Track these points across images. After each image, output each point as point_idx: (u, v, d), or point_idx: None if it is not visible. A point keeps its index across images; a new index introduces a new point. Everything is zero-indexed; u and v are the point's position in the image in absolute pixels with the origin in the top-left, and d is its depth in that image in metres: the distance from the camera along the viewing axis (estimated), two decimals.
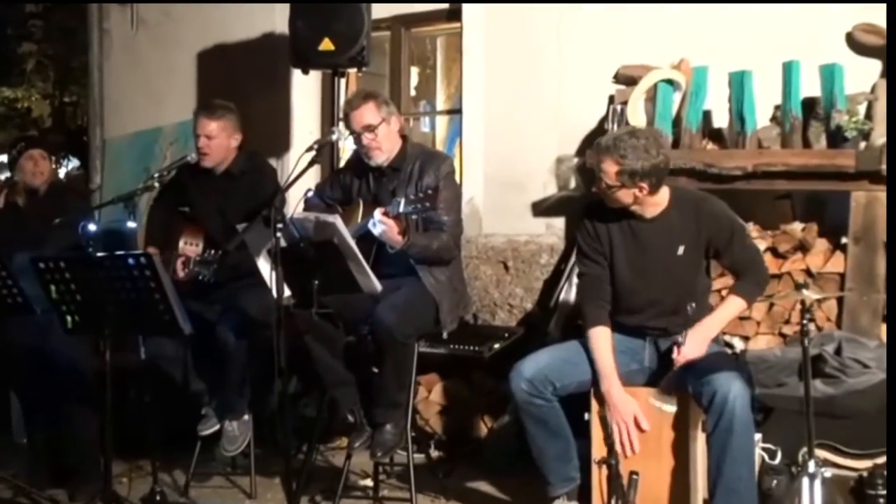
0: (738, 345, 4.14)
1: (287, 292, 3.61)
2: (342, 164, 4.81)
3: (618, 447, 3.39)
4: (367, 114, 3.93)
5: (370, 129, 3.93)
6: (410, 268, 3.91)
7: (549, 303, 4.81)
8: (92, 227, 4.06)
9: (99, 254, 3.52)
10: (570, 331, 3.66)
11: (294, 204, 4.25)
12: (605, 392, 3.43)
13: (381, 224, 3.71)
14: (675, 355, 3.35)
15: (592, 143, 4.62)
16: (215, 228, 4.32)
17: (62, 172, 8.76)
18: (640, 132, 3.46)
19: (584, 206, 3.66)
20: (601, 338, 3.49)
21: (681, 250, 3.44)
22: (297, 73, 5.29)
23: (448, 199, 3.93)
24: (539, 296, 4.94)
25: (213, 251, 4.24)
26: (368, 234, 3.79)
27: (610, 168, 3.34)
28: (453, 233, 3.96)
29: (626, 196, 3.39)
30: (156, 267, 3.41)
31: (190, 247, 4.42)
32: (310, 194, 4.22)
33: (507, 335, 4.41)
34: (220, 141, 4.32)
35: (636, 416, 3.39)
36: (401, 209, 3.66)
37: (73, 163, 9.69)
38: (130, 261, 3.41)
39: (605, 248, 3.53)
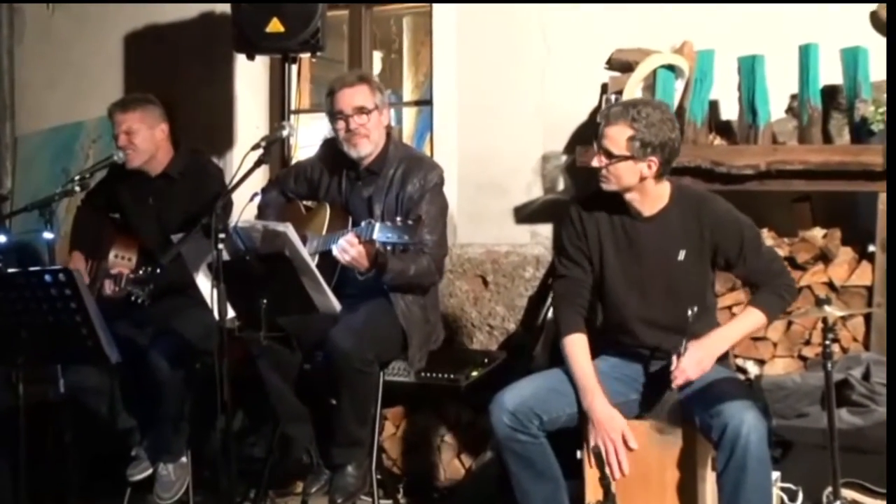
0: (752, 369, 4.17)
1: (231, 313, 3.58)
2: (293, 162, 4.79)
3: (606, 468, 3.39)
4: (362, 93, 3.95)
5: (363, 111, 3.93)
6: (380, 289, 3.90)
7: (535, 323, 4.80)
8: (1, 239, 4.03)
9: (10, 270, 3.49)
10: (559, 355, 3.66)
11: (238, 210, 4.22)
12: (586, 407, 3.43)
13: (349, 251, 3.68)
14: (672, 368, 3.34)
15: (583, 138, 4.71)
16: (151, 240, 4.32)
17: None
18: (658, 103, 3.51)
19: (573, 201, 3.66)
20: (577, 346, 3.51)
21: (681, 255, 3.45)
22: (241, 59, 5.26)
23: (433, 215, 3.92)
24: (523, 315, 4.92)
25: (148, 268, 4.21)
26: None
27: (620, 133, 3.34)
28: (436, 255, 3.96)
29: (629, 174, 3.38)
30: (77, 284, 3.37)
31: (121, 261, 4.41)
32: (257, 199, 4.20)
33: (486, 361, 4.42)
34: (142, 134, 4.35)
35: (623, 434, 3.39)
36: (374, 235, 3.61)
37: None
38: (47, 277, 3.37)
39: (592, 252, 3.55)
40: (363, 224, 3.71)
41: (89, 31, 6.25)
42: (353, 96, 3.95)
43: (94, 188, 4.53)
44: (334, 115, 3.99)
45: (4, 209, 5.88)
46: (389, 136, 4.11)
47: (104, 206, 4.55)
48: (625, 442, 3.39)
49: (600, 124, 3.43)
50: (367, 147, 3.98)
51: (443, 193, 4.08)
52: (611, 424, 3.40)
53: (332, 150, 4.13)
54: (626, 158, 3.35)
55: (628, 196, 3.45)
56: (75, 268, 4.29)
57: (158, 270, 4.10)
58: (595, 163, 3.41)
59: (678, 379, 3.34)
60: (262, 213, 4.19)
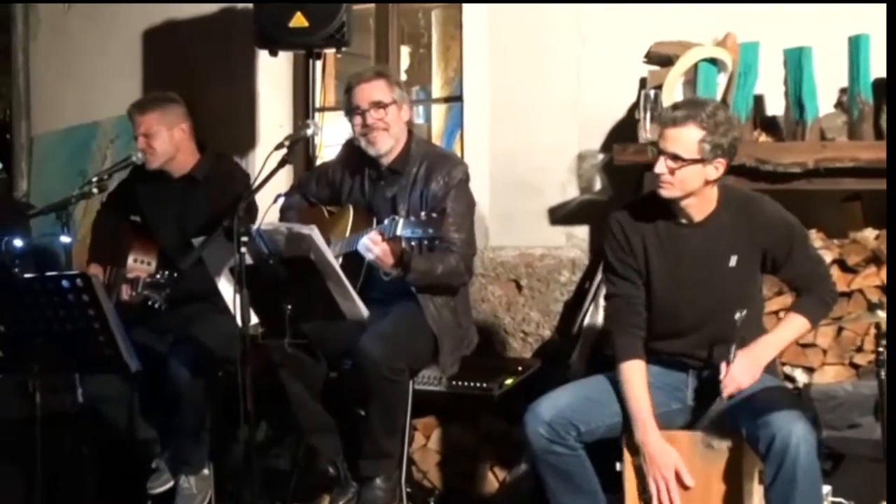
0: (801, 378, 4.13)
1: (254, 319, 3.59)
2: (318, 162, 4.80)
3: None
4: (379, 88, 3.97)
5: (380, 105, 3.94)
6: (407, 291, 3.91)
7: (571, 329, 4.80)
8: (17, 243, 4.06)
9: (26, 275, 3.51)
10: (597, 363, 3.65)
11: (261, 212, 4.24)
12: (639, 442, 3.41)
13: (373, 249, 3.71)
14: (721, 376, 3.32)
15: (620, 135, 4.69)
16: (171, 244, 4.34)
17: None
18: (719, 104, 3.48)
19: (613, 213, 3.63)
20: (635, 374, 3.47)
21: (733, 261, 3.42)
22: (263, 56, 5.28)
23: (459, 212, 3.93)
24: (559, 321, 4.94)
25: (166, 272, 4.23)
26: (358, 253, 3.78)
27: (690, 135, 3.29)
28: (464, 254, 3.96)
29: (695, 178, 3.33)
30: (95, 290, 3.39)
31: (140, 265, 4.43)
32: (280, 201, 4.22)
33: (520, 369, 4.42)
34: (162, 136, 4.37)
35: (678, 471, 3.37)
36: (398, 231, 3.63)
37: None
38: (64, 283, 3.39)
39: (639, 263, 3.51)
40: (386, 221, 3.72)
41: (105, 28, 6.29)
42: (369, 91, 3.97)
43: (114, 190, 4.57)
44: (351, 111, 4.02)
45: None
46: (411, 134, 4.12)
47: (124, 209, 4.58)
48: (678, 479, 3.37)
49: (660, 127, 3.39)
50: (386, 142, 3.99)
51: (469, 190, 4.08)
52: (664, 460, 3.37)
53: (353, 152, 4.14)
54: (696, 162, 3.30)
55: (685, 202, 3.39)
56: (94, 272, 4.34)
57: (175, 274, 4.13)
58: (659, 168, 3.32)
59: (729, 388, 3.32)
60: (283, 218, 4.20)
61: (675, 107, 3.41)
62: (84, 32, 6.40)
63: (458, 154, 5.30)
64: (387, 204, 4.00)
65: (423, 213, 3.62)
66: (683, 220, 3.45)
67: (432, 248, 3.81)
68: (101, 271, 4.48)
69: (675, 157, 3.31)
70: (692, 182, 3.34)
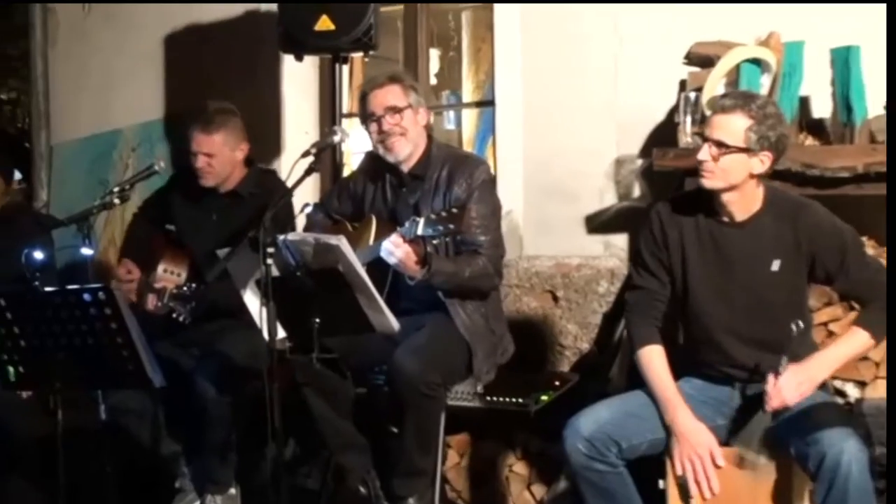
0: (853, 393, 4.09)
1: (281, 333, 3.60)
2: (348, 171, 4.81)
3: (692, 489, 3.34)
4: (392, 93, 4.01)
5: (394, 111, 3.97)
6: (436, 301, 3.91)
7: (611, 342, 4.79)
8: (38, 256, 4.09)
9: (47, 288, 3.53)
10: (638, 376, 3.62)
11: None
12: (669, 421, 3.40)
13: (395, 252, 3.72)
14: (767, 386, 3.28)
15: (659, 139, 4.67)
16: (205, 255, 4.34)
17: None
18: (771, 99, 3.51)
19: (654, 204, 3.63)
20: (655, 356, 3.50)
21: (776, 265, 3.39)
22: (288, 60, 5.31)
23: (484, 213, 3.95)
24: (597, 333, 4.92)
25: (193, 284, 4.25)
26: (382, 260, 3.79)
27: (737, 123, 3.29)
28: (492, 256, 3.97)
29: (739, 169, 3.32)
30: (118, 303, 3.40)
31: (169, 275, 4.47)
32: (308, 209, 4.23)
33: (557, 383, 4.40)
34: (224, 157, 4.42)
35: (711, 451, 3.34)
36: (419, 231, 3.65)
37: (15, 175, 9.77)
38: (86, 296, 3.40)
39: (673, 261, 3.51)
40: (407, 224, 3.73)
41: (126, 32, 6.34)
42: (383, 97, 4.00)
43: (151, 198, 4.63)
44: (367, 118, 4.05)
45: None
46: (431, 138, 4.14)
47: (159, 218, 4.63)
48: (713, 460, 3.34)
49: (709, 114, 3.41)
50: (404, 147, 4.02)
51: (493, 190, 4.10)
52: (697, 438, 3.36)
53: (374, 162, 4.19)
54: (741, 150, 3.30)
55: (726, 196, 3.39)
56: (126, 272, 4.39)
57: (203, 287, 4.14)
58: (703, 155, 3.33)
59: (773, 401, 3.28)
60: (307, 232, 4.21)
61: (726, 95, 3.45)
62: (104, 37, 6.46)
63: (491, 160, 5.32)
64: (410, 211, 4.01)
65: (442, 211, 3.64)
66: (725, 219, 3.44)
67: (459, 252, 3.84)
68: (135, 266, 4.50)
69: (720, 144, 3.31)
70: (736, 173, 3.33)
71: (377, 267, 3.80)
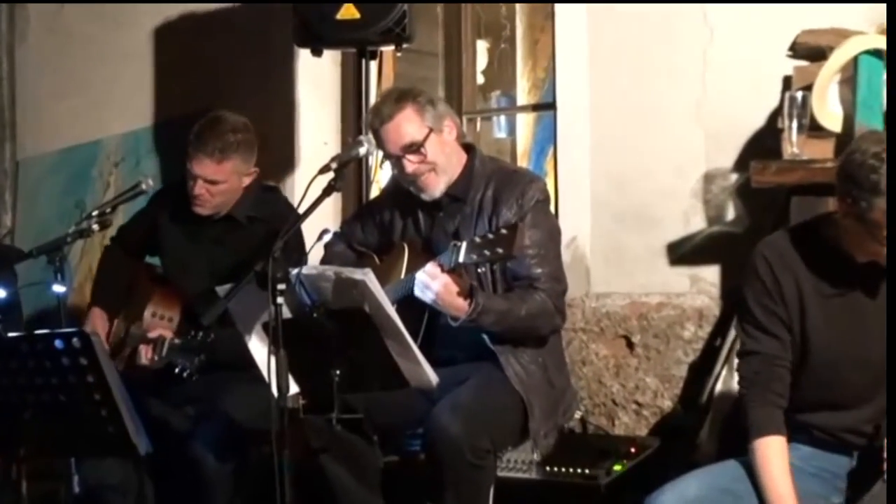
0: None
1: (293, 388, 3.61)
2: (377, 190, 4.83)
3: None
4: (406, 125, 4.02)
5: (413, 148, 3.98)
6: (482, 348, 3.91)
7: (699, 399, 4.78)
8: (1, 294, 4.12)
9: (10, 333, 3.56)
10: (732, 442, 3.59)
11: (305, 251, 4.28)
12: None
13: (431, 286, 3.72)
14: (885, 453, 3.25)
15: (759, 149, 4.65)
16: (198, 296, 4.38)
17: None
18: None
19: (762, 242, 3.57)
20: (774, 452, 3.42)
21: None
22: (304, 56, 5.35)
23: (539, 241, 3.94)
24: (682, 388, 4.91)
25: (200, 333, 4.26)
26: (415, 297, 3.80)
27: None
28: (551, 291, 3.97)
29: None
30: (96, 351, 3.42)
31: (160, 320, 4.48)
32: (327, 236, 4.25)
33: (633, 450, 4.38)
34: (228, 186, 4.46)
35: None
36: (461, 258, 3.66)
37: None
38: (58, 343, 3.43)
39: (791, 313, 3.46)
40: (447, 251, 3.75)
41: (109, 25, 6.39)
42: (396, 134, 4.02)
43: (130, 224, 4.62)
44: (385, 156, 4.12)
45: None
46: (471, 150, 4.14)
47: (141, 248, 4.65)
48: None
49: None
50: (438, 182, 4.07)
51: (549, 212, 4.13)
52: None
53: (401, 184, 4.20)
54: None
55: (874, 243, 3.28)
56: (93, 329, 4.38)
57: (212, 337, 4.16)
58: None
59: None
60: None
61: None
62: (83, 31, 6.51)
63: (550, 176, 5.31)
64: (449, 240, 4.01)
65: (489, 232, 3.64)
66: (854, 261, 3.36)
67: (509, 288, 3.83)
68: (105, 319, 4.53)
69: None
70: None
71: (410, 306, 3.82)
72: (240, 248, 4.36)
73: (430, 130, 4.02)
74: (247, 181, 4.51)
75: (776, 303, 3.47)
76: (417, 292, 3.76)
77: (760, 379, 3.49)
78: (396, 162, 4.05)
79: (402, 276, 4.01)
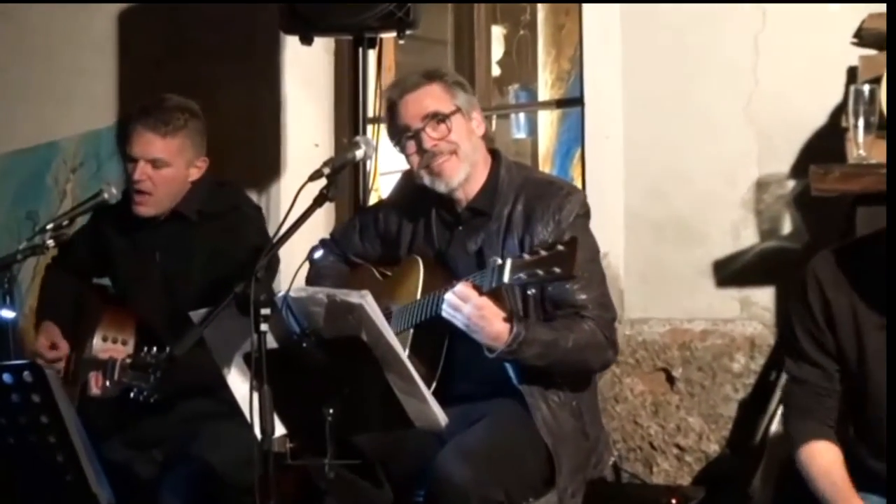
0: None
1: (280, 429, 3.58)
2: (373, 197, 4.82)
3: None
4: (431, 98, 3.99)
5: (438, 118, 3.96)
6: (505, 383, 3.89)
7: (751, 441, 4.77)
8: None
9: None
10: (791, 490, 3.57)
11: (290, 273, 4.25)
12: None
13: (463, 309, 3.70)
14: None
15: (819, 153, 4.64)
16: (155, 313, 4.40)
17: None
18: None
19: (815, 257, 3.57)
20: (822, 454, 3.44)
21: None
22: (291, 44, 5.34)
23: (583, 262, 3.87)
24: (731, 429, 4.90)
25: (154, 349, 4.23)
26: (437, 322, 3.78)
27: None
28: (601, 320, 3.92)
29: None
30: (51, 387, 3.42)
31: (111, 345, 4.47)
32: (318, 253, 4.22)
33: (674, 502, 4.35)
34: (174, 171, 4.43)
35: None
36: (505, 279, 3.61)
37: None
38: (6, 377, 3.43)
39: (843, 342, 3.45)
40: (487, 267, 3.70)
41: (69, 8, 6.41)
42: (419, 102, 3.99)
43: (71, 243, 4.58)
44: (400, 135, 4.04)
45: None
46: (497, 156, 4.11)
47: (85, 268, 4.65)
48: None
49: None
50: (457, 170, 4.01)
51: (590, 230, 4.07)
52: None
53: (412, 186, 4.17)
54: None
55: None
56: (48, 345, 4.37)
57: (168, 350, 4.13)
58: None
59: None
60: (313, 284, 4.19)
61: None
62: (36, 17, 6.53)
63: (577, 182, 5.30)
64: (470, 261, 4.00)
65: (541, 248, 3.57)
66: None
67: (549, 316, 3.82)
68: (58, 332, 4.51)
69: None
70: None
71: (429, 331, 3.81)
72: (193, 251, 4.36)
73: (458, 110, 4.00)
74: (195, 174, 4.49)
75: (821, 330, 3.47)
76: (447, 315, 3.73)
77: (804, 406, 3.53)
78: (414, 136, 4.00)
79: (419, 293, 3.97)
